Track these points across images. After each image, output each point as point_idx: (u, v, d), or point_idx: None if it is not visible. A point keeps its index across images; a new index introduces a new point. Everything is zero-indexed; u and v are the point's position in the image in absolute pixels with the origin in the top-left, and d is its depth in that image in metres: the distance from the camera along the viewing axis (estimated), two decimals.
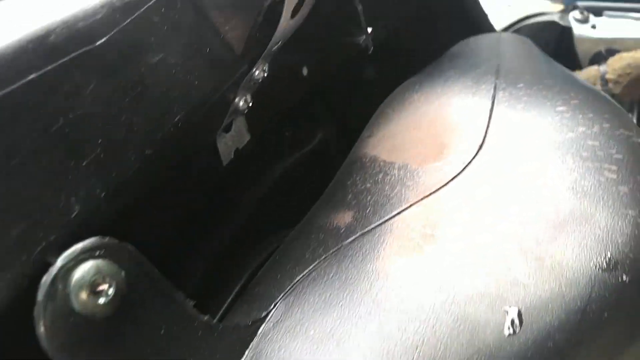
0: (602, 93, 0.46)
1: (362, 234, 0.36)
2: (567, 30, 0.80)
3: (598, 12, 0.80)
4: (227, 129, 0.43)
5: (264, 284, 0.36)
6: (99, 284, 0.24)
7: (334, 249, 0.36)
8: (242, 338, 0.31)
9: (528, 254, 0.33)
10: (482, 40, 0.65)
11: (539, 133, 0.39)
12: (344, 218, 0.39)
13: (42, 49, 0.25)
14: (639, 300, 0.31)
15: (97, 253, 0.25)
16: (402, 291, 0.32)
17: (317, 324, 0.31)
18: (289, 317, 0.32)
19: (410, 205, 0.37)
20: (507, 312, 0.30)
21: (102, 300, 0.24)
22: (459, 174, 0.39)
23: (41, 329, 0.23)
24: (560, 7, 0.85)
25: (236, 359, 0.30)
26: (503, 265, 0.32)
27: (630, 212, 0.33)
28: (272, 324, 0.32)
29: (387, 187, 0.40)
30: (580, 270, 0.31)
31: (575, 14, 0.80)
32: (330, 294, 0.33)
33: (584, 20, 0.80)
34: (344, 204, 0.40)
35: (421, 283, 0.32)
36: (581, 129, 0.39)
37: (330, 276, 0.34)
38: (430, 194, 0.38)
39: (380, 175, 0.41)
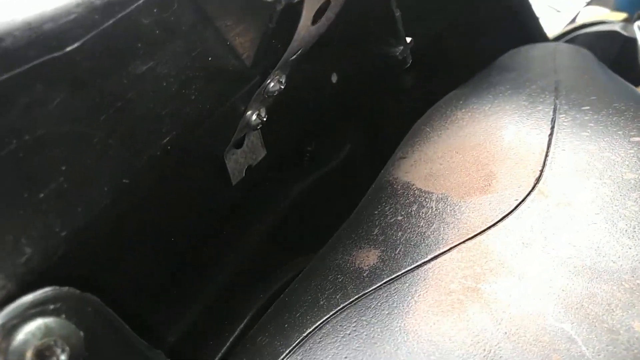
0: None
1: (390, 281, 0.31)
2: (631, 42, 0.73)
3: None
4: (239, 145, 0.38)
5: (269, 333, 0.31)
6: (49, 348, 0.20)
7: (355, 298, 0.31)
8: None
9: (597, 323, 0.27)
10: (535, 51, 0.58)
11: (609, 169, 0.33)
12: (369, 258, 0.33)
13: None
14: None
15: (51, 308, 0.20)
16: (436, 358, 0.27)
17: None
18: None
19: (450, 249, 0.32)
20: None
21: None
22: (509, 213, 0.33)
23: None
24: (622, 15, 0.77)
25: None
26: (565, 335, 0.26)
27: None
28: None
29: (422, 223, 0.34)
30: None
31: None
32: (347, 356, 0.28)
33: None
34: (370, 240, 0.35)
35: (461, 351, 0.26)
36: None
37: (348, 332, 0.29)
38: (475, 235, 0.32)
39: (415, 207, 0.36)
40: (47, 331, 0.20)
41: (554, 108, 0.40)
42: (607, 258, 0.29)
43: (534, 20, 0.70)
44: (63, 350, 0.20)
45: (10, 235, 0.21)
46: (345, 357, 0.27)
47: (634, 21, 0.74)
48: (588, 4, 1.88)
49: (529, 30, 0.69)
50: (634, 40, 0.72)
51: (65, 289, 0.21)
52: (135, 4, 0.25)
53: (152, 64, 0.26)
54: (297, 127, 0.44)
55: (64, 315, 0.20)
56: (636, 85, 0.73)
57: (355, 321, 0.29)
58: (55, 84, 0.23)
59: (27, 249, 0.21)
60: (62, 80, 0.23)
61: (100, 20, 0.24)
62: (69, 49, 0.23)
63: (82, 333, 0.20)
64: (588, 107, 0.39)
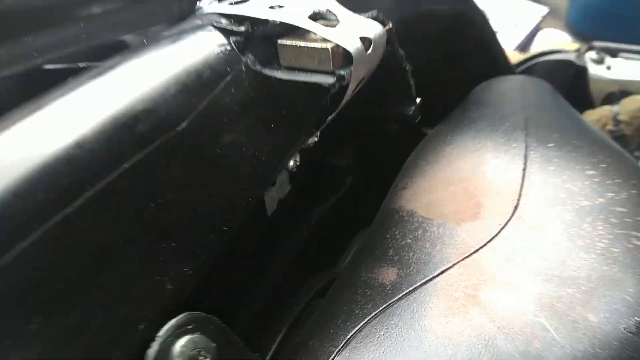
0: (627, 154, 0.52)
1: (408, 292, 0.41)
2: (582, 70, 0.86)
3: (614, 53, 0.86)
4: (273, 183, 0.48)
5: (318, 337, 0.41)
6: (197, 356, 0.29)
7: (382, 307, 0.41)
8: None
9: (563, 317, 0.38)
10: (504, 85, 0.70)
11: (570, 198, 0.45)
12: (389, 275, 0.44)
13: (131, 138, 0.29)
14: None
15: (190, 327, 0.29)
16: (450, 349, 0.37)
17: None
18: None
19: (453, 265, 0.42)
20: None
21: None
22: (496, 235, 0.44)
23: None
24: (576, 46, 0.91)
25: None
26: (542, 327, 0.37)
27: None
28: None
29: (427, 244, 0.45)
30: (611, 333, 0.37)
31: (592, 54, 0.87)
32: (384, 351, 0.38)
33: (600, 61, 0.86)
34: (387, 260, 0.45)
35: (468, 343, 0.37)
36: (610, 194, 0.45)
37: (382, 334, 0.39)
38: (471, 254, 0.43)
39: (420, 232, 0.47)
40: (194, 344, 0.29)
41: (525, 145, 0.51)
42: (570, 268, 0.40)
43: (502, 53, 0.82)
44: (206, 358, 0.29)
45: (158, 276, 0.30)
46: (383, 351, 0.38)
47: (586, 52, 0.87)
48: (543, 17, 2.05)
49: (497, 62, 0.81)
50: (585, 69, 0.85)
51: (197, 313, 0.30)
52: (219, 86, 0.35)
53: (234, 135, 0.35)
54: (314, 164, 0.54)
55: (200, 332, 0.30)
56: (585, 109, 0.86)
57: (386, 325, 0.39)
58: (173, 158, 0.32)
59: (168, 285, 0.30)
60: (177, 154, 0.32)
61: (197, 102, 0.33)
62: (179, 128, 0.32)
63: (214, 345, 0.30)
64: (552, 144, 0.51)
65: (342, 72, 0.35)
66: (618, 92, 0.84)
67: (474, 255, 0.43)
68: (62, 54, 0.37)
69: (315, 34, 0.34)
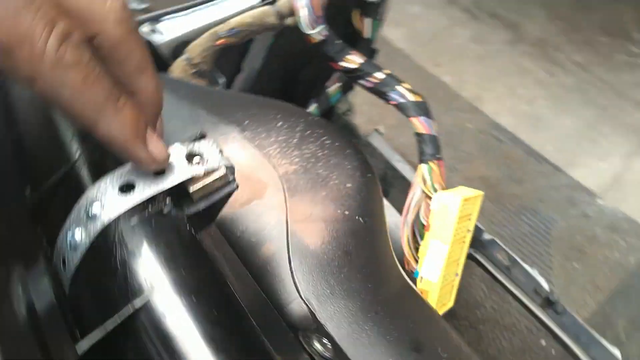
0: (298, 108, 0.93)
1: (288, 236, 0.78)
2: (149, 44, 1.13)
3: (156, 20, 1.15)
4: None
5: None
6: None
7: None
8: None
9: (341, 201, 0.82)
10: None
11: (294, 152, 0.85)
12: (271, 247, 0.78)
13: None
14: (375, 194, 0.86)
15: None
16: (328, 236, 0.77)
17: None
18: None
19: (286, 212, 0.80)
20: (358, 218, 0.81)
21: None
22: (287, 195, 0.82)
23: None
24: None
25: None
26: (339, 205, 0.81)
27: (357, 173, 0.86)
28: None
29: (264, 218, 0.80)
30: (352, 186, 0.83)
31: (145, 27, 1.12)
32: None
33: (154, 31, 1.14)
34: (259, 241, 0.79)
35: (328, 227, 0.78)
36: (312, 147, 0.87)
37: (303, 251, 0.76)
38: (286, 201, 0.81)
39: (253, 216, 0.81)
40: None
41: (245, 137, 0.87)
42: (326, 182, 0.83)
43: None
44: None
45: None
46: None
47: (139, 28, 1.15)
48: None
49: None
50: (150, 43, 1.14)
51: None
52: (188, 235, 0.60)
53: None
54: None
55: None
56: (166, 69, 1.17)
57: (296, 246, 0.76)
58: None
59: None
60: None
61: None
62: None
63: None
64: (262, 129, 0.88)
65: (234, 177, 0.62)
66: (181, 45, 1.15)
67: (287, 204, 0.81)
68: None
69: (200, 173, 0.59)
